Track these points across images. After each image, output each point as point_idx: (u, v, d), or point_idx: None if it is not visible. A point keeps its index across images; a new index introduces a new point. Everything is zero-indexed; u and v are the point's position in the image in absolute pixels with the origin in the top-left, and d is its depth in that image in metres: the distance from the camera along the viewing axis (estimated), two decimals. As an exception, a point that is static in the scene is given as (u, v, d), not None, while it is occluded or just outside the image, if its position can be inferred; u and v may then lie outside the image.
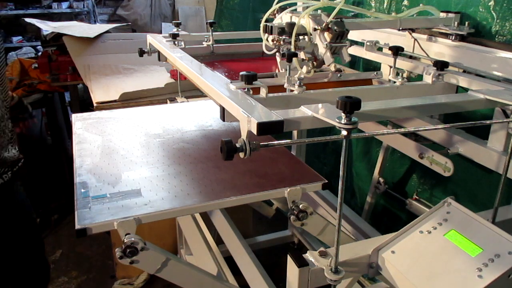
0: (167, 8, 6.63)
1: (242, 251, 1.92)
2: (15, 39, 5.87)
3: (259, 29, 1.47)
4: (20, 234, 1.72)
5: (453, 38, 1.56)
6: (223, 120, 1.14)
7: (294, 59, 1.30)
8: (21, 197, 1.78)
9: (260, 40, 1.49)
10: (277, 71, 1.52)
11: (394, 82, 1.39)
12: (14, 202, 1.72)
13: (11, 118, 1.72)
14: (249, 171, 1.43)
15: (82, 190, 1.31)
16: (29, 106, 2.21)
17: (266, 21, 1.47)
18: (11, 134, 1.68)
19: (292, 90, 1.23)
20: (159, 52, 1.92)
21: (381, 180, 2.20)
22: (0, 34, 1.50)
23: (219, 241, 2.20)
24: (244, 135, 0.94)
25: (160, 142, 1.68)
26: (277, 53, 1.44)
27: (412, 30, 1.68)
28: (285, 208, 2.05)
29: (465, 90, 1.30)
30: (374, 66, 2.11)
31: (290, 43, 1.34)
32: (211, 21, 2.04)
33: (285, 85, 1.26)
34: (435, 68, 1.37)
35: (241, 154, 0.92)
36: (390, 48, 1.47)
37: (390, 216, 2.33)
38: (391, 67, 1.48)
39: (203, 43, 1.98)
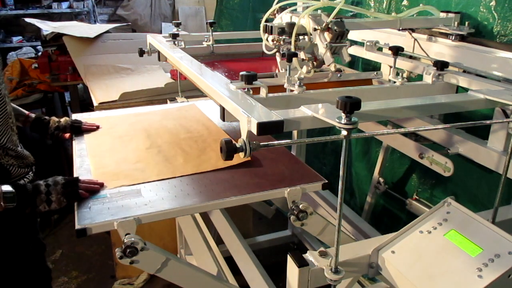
0: (167, 8, 6.63)
1: (242, 251, 1.91)
2: (15, 39, 5.86)
3: (259, 29, 1.47)
4: (21, 237, 1.70)
5: (453, 38, 1.56)
6: (223, 120, 1.14)
7: (294, 59, 1.30)
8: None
9: (260, 40, 1.49)
10: (277, 71, 1.51)
11: (394, 82, 1.39)
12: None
13: None
14: (249, 171, 1.43)
15: (82, 190, 1.31)
16: None
17: (266, 21, 1.47)
18: (17, 133, 1.65)
19: (292, 90, 1.23)
20: (159, 52, 1.92)
21: (381, 180, 2.20)
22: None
23: (219, 241, 2.20)
24: (244, 135, 0.94)
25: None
26: (277, 53, 1.44)
27: (412, 30, 1.68)
28: (285, 208, 2.05)
29: (465, 90, 1.30)
30: (374, 66, 2.11)
31: (290, 43, 1.34)
32: (211, 21, 2.04)
33: (285, 85, 1.26)
34: (435, 68, 1.37)
35: (241, 154, 0.92)
36: (390, 48, 1.47)
37: (390, 216, 2.33)
38: (391, 67, 1.48)
39: (203, 43, 1.98)
